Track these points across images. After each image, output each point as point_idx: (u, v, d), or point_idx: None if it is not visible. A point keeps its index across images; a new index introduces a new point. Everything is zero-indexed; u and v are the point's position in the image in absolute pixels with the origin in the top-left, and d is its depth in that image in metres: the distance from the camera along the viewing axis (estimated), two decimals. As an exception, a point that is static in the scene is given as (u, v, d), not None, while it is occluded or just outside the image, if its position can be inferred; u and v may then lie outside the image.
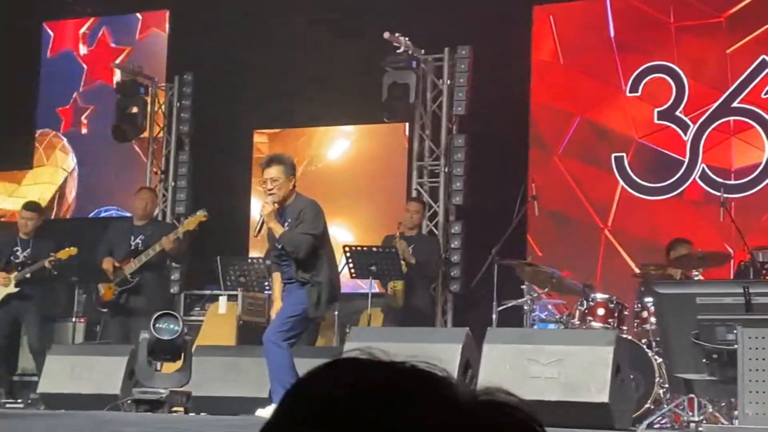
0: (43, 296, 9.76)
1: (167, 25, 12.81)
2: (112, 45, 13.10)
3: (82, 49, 13.27)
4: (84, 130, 13.14)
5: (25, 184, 13.22)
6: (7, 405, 9.31)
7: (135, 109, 11.85)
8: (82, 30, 13.27)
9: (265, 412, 6.76)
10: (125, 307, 9.35)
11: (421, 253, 9.76)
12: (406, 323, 9.30)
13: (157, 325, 7.54)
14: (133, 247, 9.39)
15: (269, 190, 7.02)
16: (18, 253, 9.63)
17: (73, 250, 9.44)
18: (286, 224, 7.07)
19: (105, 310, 9.56)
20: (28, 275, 9.48)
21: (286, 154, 7.72)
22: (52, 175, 13.16)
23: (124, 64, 12.35)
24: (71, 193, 13.08)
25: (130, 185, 11.24)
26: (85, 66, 13.20)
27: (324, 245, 7.18)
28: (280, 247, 7.11)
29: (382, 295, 9.91)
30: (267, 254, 8.61)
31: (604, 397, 6.51)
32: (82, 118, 13.13)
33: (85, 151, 13.08)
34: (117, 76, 12.34)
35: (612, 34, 10.88)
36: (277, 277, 7.39)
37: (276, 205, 7.04)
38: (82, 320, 10.08)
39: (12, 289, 9.50)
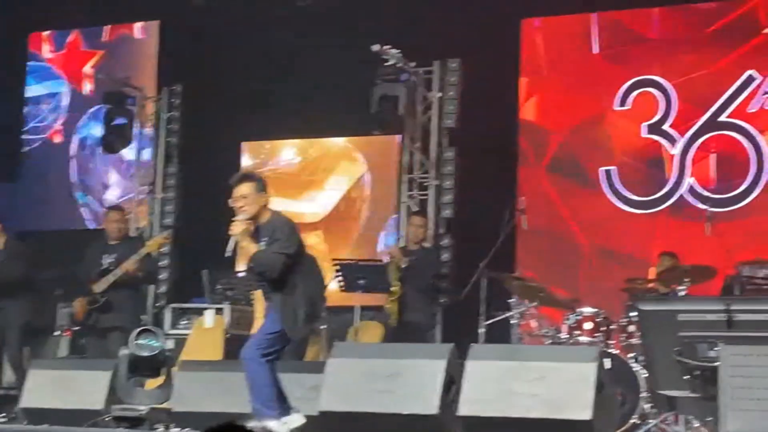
0: (27, 308, 9.70)
1: (157, 36, 12.77)
2: (83, 49, 13.08)
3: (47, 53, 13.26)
4: (58, 139, 13.10)
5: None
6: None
7: (123, 120, 11.81)
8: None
9: (277, 426, 6.70)
10: (96, 326, 9.30)
11: (423, 267, 9.71)
12: (405, 338, 9.25)
13: (137, 341, 7.50)
14: (104, 266, 9.34)
15: (240, 207, 6.90)
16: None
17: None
18: (262, 243, 6.95)
19: (77, 328, 9.52)
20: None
21: (257, 171, 7.57)
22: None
23: (102, 70, 12.31)
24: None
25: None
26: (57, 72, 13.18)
27: (300, 263, 7.04)
28: (251, 266, 7.02)
29: (373, 308, 9.87)
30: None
31: (586, 415, 6.47)
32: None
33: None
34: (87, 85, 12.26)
35: (598, 48, 10.86)
36: (259, 294, 7.31)
37: (247, 223, 6.93)
38: (66, 334, 10.03)
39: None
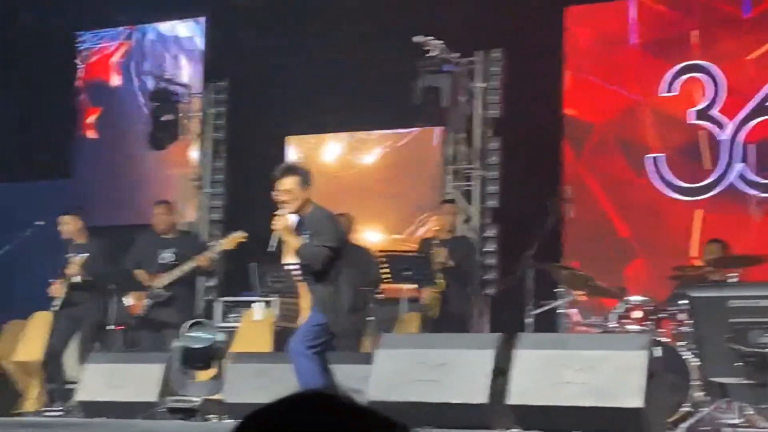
0: (98, 304, 9.80)
1: (203, 33, 12.87)
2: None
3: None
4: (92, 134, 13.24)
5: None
6: (46, 414, 9.40)
7: (170, 117, 11.92)
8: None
9: None
10: (155, 320, 9.40)
11: (457, 256, 9.72)
12: (444, 328, 9.27)
13: (189, 334, 7.58)
14: (164, 261, 9.43)
15: (284, 201, 6.86)
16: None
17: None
18: (304, 236, 6.94)
19: (132, 321, 9.62)
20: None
21: (301, 163, 7.55)
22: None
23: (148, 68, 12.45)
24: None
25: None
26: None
27: (343, 255, 7.03)
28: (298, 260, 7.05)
29: (417, 300, 9.90)
30: None
31: (637, 403, 6.45)
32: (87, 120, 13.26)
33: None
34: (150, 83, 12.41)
35: (639, 35, 10.79)
36: (304, 286, 7.36)
37: (288, 219, 6.90)
38: (120, 328, 10.15)
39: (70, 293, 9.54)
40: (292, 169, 7.06)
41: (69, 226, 9.81)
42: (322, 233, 6.88)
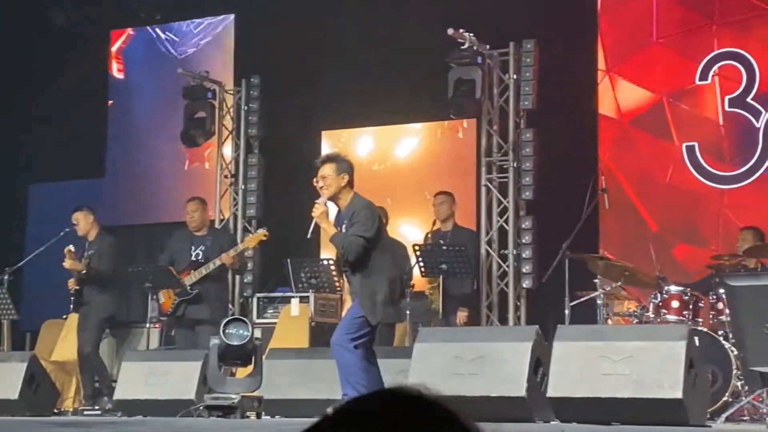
0: (108, 301, 9.90)
1: (233, 29, 12.90)
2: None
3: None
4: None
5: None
6: (86, 412, 9.46)
7: (203, 114, 11.96)
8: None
9: None
10: (185, 318, 9.46)
11: (459, 244, 9.65)
12: (450, 309, 9.30)
13: (226, 331, 7.59)
14: (193, 258, 9.48)
15: (321, 187, 7.02)
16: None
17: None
18: (343, 226, 7.04)
19: (164, 319, 9.68)
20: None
21: (342, 153, 7.67)
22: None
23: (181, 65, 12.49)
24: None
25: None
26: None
27: (379, 247, 7.07)
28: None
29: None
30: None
31: (677, 393, 6.40)
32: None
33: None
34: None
35: (672, 25, 10.70)
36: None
37: (326, 206, 7.02)
38: (156, 326, 10.21)
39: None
40: (330, 157, 7.23)
41: (81, 222, 9.94)
42: (358, 222, 6.96)
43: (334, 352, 7.06)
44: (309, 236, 7.20)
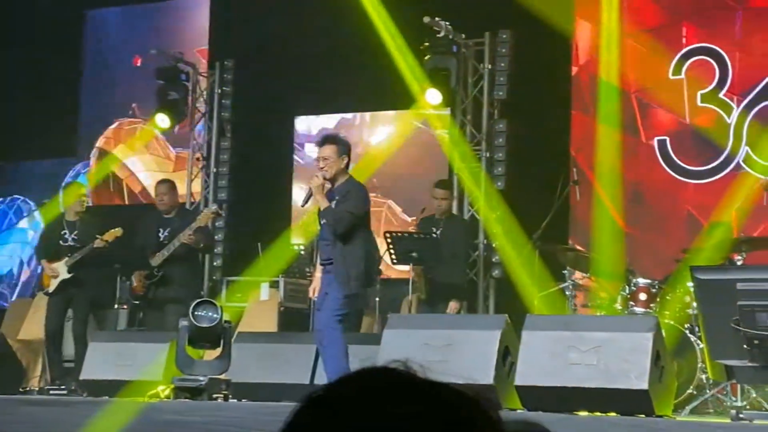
0: (95, 281, 9.84)
1: (208, 12, 12.84)
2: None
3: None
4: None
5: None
6: (51, 392, 9.42)
7: (176, 95, 11.90)
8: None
9: None
10: (155, 299, 9.43)
11: (450, 233, 9.61)
12: (436, 300, 9.28)
13: (195, 313, 7.59)
14: (161, 239, 9.46)
15: (321, 167, 7.30)
16: (66, 236, 9.67)
17: (118, 231, 9.47)
18: (333, 203, 7.31)
19: (137, 302, 9.64)
20: (78, 258, 9.52)
21: (342, 134, 7.92)
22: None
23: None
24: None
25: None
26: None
27: (363, 228, 7.41)
28: (322, 222, 7.36)
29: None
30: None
31: (643, 384, 6.46)
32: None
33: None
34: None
35: (648, 18, 10.75)
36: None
37: (325, 180, 7.28)
38: (124, 307, 10.17)
39: (65, 275, 9.56)
40: (331, 138, 7.54)
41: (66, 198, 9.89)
42: (350, 200, 7.29)
43: (322, 335, 7.26)
44: (303, 205, 7.67)
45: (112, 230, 9.46)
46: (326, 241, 7.41)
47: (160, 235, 9.50)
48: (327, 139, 7.50)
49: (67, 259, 9.55)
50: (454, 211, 10.85)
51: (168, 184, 9.89)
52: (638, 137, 10.68)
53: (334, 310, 7.25)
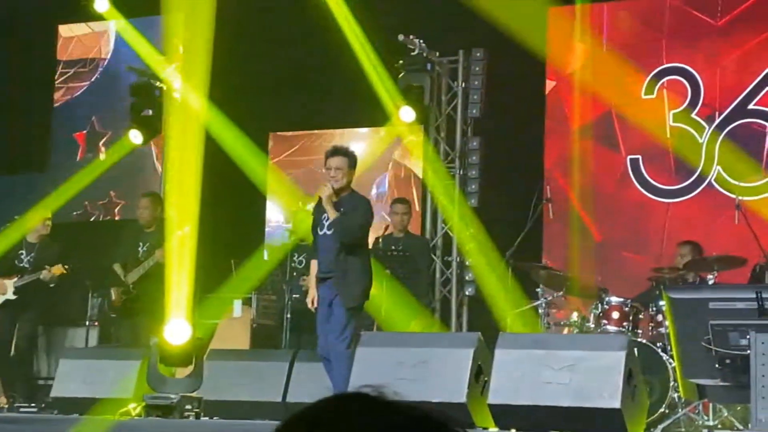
0: (44, 300, 9.77)
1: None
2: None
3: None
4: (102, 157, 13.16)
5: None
6: (21, 409, 9.33)
7: (150, 112, 11.83)
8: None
9: None
10: (131, 312, 9.37)
11: (413, 250, 9.61)
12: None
13: (167, 330, 7.54)
14: (140, 253, 9.41)
15: (332, 177, 7.37)
16: (22, 257, 9.63)
17: (61, 269, 9.41)
18: (340, 213, 7.38)
19: (114, 315, 9.57)
20: (24, 283, 9.50)
21: (351, 147, 7.91)
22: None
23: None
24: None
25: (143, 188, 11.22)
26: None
27: (365, 242, 7.56)
28: (327, 233, 7.37)
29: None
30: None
31: (615, 403, 6.48)
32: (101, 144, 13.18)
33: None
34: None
35: (621, 37, 10.82)
36: (314, 265, 7.58)
37: (333, 191, 7.35)
38: (95, 324, 10.09)
39: (10, 296, 9.52)
40: (343, 151, 7.60)
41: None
42: (359, 212, 7.40)
43: (338, 362, 7.22)
44: (308, 210, 7.83)
45: (57, 266, 9.42)
46: (326, 252, 7.39)
47: (139, 249, 9.44)
48: (338, 150, 7.56)
49: (16, 279, 9.51)
50: (428, 227, 10.88)
51: (149, 198, 9.85)
52: (618, 152, 10.72)
53: (342, 324, 7.28)
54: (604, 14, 10.91)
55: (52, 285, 9.54)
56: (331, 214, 7.33)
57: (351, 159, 7.47)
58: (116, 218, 12.68)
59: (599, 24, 10.88)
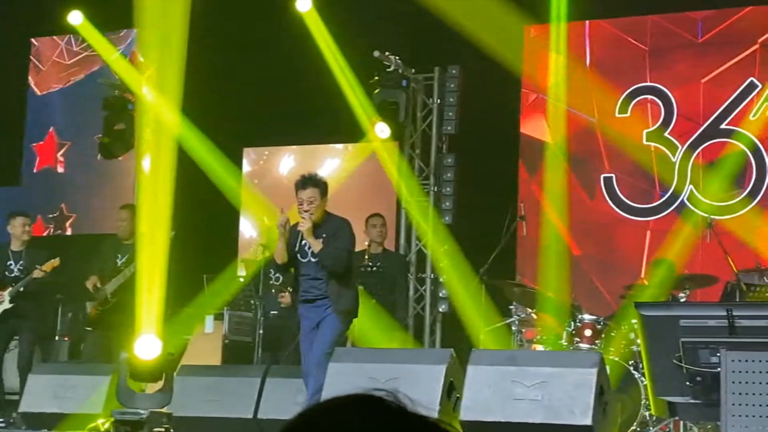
0: (38, 313, 9.66)
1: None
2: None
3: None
4: (60, 169, 13.08)
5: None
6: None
7: (122, 126, 11.78)
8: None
9: None
10: (105, 325, 9.27)
11: (390, 267, 9.59)
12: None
13: (137, 345, 7.49)
14: (118, 264, 9.33)
15: (306, 210, 7.25)
16: (12, 267, 9.50)
17: (56, 261, 9.32)
18: (321, 241, 7.29)
19: (89, 329, 9.47)
20: (21, 289, 9.37)
21: (320, 174, 7.78)
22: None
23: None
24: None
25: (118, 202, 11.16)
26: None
27: (351, 263, 7.50)
28: (315, 261, 7.29)
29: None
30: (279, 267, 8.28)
31: (587, 420, 6.47)
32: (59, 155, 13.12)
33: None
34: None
35: (594, 56, 10.86)
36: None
37: (310, 222, 7.25)
38: (66, 339, 10.00)
39: (6, 305, 9.39)
40: (314, 180, 7.41)
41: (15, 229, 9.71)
42: (342, 237, 7.34)
43: (315, 374, 7.15)
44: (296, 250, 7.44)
45: (51, 261, 9.32)
46: (313, 279, 7.34)
47: (117, 261, 9.37)
48: (309, 181, 7.37)
49: (10, 288, 9.40)
50: (402, 244, 10.86)
51: (128, 210, 9.78)
52: (594, 170, 10.75)
53: (328, 344, 7.26)
54: (584, 31, 10.94)
55: (47, 280, 9.36)
56: (315, 246, 7.25)
57: (322, 188, 7.37)
58: (67, 233, 12.63)
59: (578, 41, 10.92)
